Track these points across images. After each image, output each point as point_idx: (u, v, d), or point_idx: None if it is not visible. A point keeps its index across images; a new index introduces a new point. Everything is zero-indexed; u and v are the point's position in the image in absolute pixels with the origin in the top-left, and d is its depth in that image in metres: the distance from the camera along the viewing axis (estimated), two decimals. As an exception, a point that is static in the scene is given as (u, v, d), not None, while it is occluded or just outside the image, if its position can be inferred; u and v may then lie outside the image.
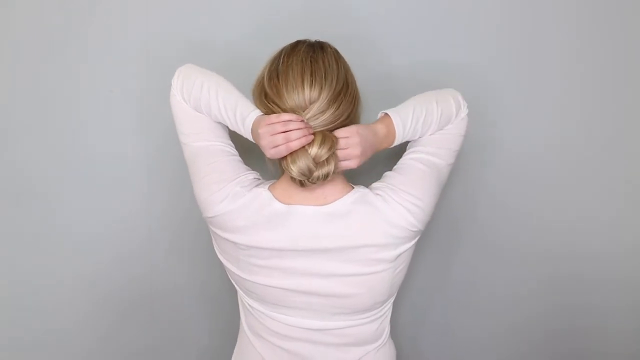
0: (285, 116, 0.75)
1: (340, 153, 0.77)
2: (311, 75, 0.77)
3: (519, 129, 1.18)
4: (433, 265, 1.33)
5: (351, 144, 0.77)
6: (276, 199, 0.79)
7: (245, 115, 0.81)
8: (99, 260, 1.25)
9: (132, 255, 1.26)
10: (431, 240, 1.28)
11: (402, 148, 0.91)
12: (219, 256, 0.88)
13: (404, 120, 0.84)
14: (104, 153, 1.17)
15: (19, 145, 1.14)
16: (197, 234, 1.21)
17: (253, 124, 0.80)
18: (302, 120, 0.75)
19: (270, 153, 0.76)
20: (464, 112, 0.90)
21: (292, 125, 0.74)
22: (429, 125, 0.86)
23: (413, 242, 0.84)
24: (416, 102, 0.87)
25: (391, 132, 0.84)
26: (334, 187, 0.81)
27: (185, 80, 0.86)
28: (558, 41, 1.11)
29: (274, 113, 0.78)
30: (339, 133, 0.77)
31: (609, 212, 1.23)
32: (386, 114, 0.85)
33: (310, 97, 0.76)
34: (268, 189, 0.81)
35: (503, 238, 1.28)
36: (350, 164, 0.78)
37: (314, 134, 0.75)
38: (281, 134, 0.74)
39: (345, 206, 0.79)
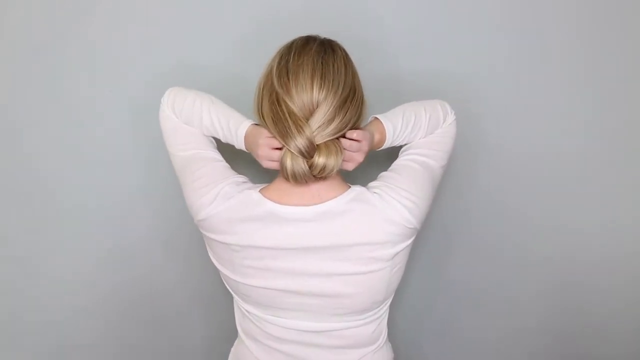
0: None
1: (347, 154, 0.79)
2: (321, 79, 0.77)
3: (519, 130, 1.18)
4: (430, 269, 1.32)
5: (362, 148, 0.81)
6: (268, 199, 0.80)
7: (237, 125, 0.85)
8: (99, 261, 1.25)
9: (131, 255, 1.25)
10: (428, 243, 1.28)
11: (397, 150, 0.92)
12: (214, 262, 0.88)
13: (395, 124, 0.88)
14: (103, 153, 1.17)
15: (18, 146, 1.14)
16: (195, 234, 1.21)
17: (246, 134, 0.83)
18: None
19: (266, 164, 0.80)
20: (451, 117, 0.94)
21: None
22: (418, 130, 0.90)
23: (410, 240, 0.84)
24: (405, 109, 0.91)
25: (382, 137, 0.88)
26: (329, 186, 0.81)
27: (177, 97, 0.90)
28: (558, 41, 1.11)
29: (281, 110, 0.77)
30: (352, 134, 0.79)
31: (609, 214, 1.23)
32: (376, 118, 0.89)
33: (318, 100, 0.76)
34: (259, 191, 0.81)
35: (501, 240, 1.28)
36: (348, 166, 0.81)
37: (318, 145, 0.76)
38: (279, 151, 0.78)
39: (341, 205, 0.79)
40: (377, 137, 0.87)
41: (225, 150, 0.91)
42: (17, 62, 1.09)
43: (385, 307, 0.90)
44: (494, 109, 1.16)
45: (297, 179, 0.76)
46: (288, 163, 0.76)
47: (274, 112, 0.78)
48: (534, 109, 1.16)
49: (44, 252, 1.22)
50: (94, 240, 1.23)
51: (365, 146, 0.81)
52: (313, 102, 0.76)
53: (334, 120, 0.77)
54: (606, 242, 1.26)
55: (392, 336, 0.98)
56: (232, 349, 0.99)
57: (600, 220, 1.24)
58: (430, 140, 0.90)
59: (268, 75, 0.81)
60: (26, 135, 1.14)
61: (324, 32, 0.87)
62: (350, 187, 0.83)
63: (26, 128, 1.13)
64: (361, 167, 1.18)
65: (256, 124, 0.85)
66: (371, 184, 0.84)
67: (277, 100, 0.78)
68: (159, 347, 1.36)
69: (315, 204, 0.79)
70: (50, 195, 1.18)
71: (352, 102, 0.79)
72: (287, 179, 0.77)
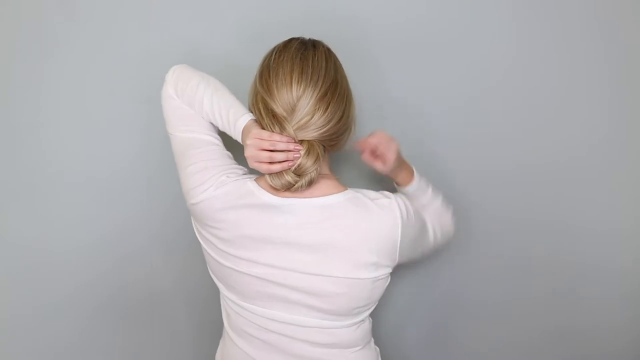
0: (276, 137, 0.77)
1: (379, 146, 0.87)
2: (299, 74, 0.78)
3: (518, 133, 1.17)
4: (417, 274, 1.31)
5: (392, 148, 0.87)
6: (263, 188, 0.80)
7: (237, 117, 0.83)
8: (99, 264, 1.24)
9: (134, 258, 1.25)
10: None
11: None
12: (203, 246, 0.87)
13: (421, 179, 0.97)
14: (104, 156, 1.17)
15: (18, 148, 1.14)
16: (196, 239, 1.21)
17: (244, 128, 0.82)
18: (291, 143, 0.77)
19: (252, 165, 0.79)
20: (452, 226, 1.02)
21: (279, 146, 0.77)
22: (432, 202, 0.97)
23: (389, 261, 0.83)
24: (433, 186, 0.99)
25: (409, 175, 0.95)
26: (323, 185, 0.82)
27: (181, 77, 0.88)
28: (556, 43, 1.11)
29: (265, 111, 0.79)
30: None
31: (610, 217, 1.23)
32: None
33: (297, 95, 0.77)
34: (255, 180, 0.82)
35: (494, 246, 1.27)
36: (383, 167, 0.89)
37: (301, 142, 0.78)
38: (266, 152, 0.77)
39: (333, 203, 0.80)
40: (405, 170, 0.95)
41: (224, 140, 0.90)
42: (17, 64, 1.09)
43: (367, 314, 0.89)
44: (491, 110, 1.16)
45: (285, 185, 0.78)
46: (274, 178, 0.78)
47: (257, 112, 0.80)
48: (532, 111, 1.16)
49: (44, 255, 1.21)
50: (94, 245, 1.23)
51: (394, 145, 0.88)
52: (293, 97, 0.77)
53: (314, 114, 0.77)
54: (607, 246, 1.25)
55: (376, 341, 0.98)
56: (219, 345, 1.00)
57: (601, 223, 1.23)
58: (436, 219, 0.96)
59: (254, 79, 0.83)
60: (25, 138, 1.13)
61: (323, 37, 0.87)
62: (347, 189, 0.83)
63: (25, 131, 1.13)
64: (357, 171, 1.18)
65: (256, 120, 0.84)
66: (374, 192, 0.84)
67: (259, 100, 0.80)
68: (156, 347, 1.36)
69: (309, 196, 0.80)
70: (50, 197, 1.18)
71: (333, 96, 0.79)
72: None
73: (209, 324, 1.35)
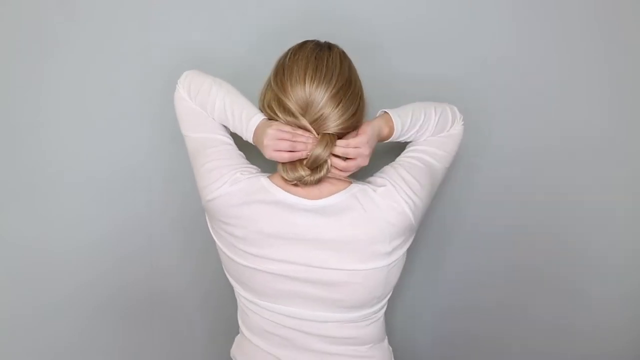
0: (298, 130, 0.79)
1: (353, 163, 0.81)
2: (313, 71, 0.79)
3: (518, 130, 1.17)
4: (427, 269, 1.32)
5: (362, 153, 0.81)
6: (276, 185, 0.82)
7: (250, 116, 0.85)
8: (99, 264, 1.24)
9: (134, 258, 1.25)
10: (426, 244, 1.28)
11: (402, 145, 0.94)
12: (218, 243, 0.89)
13: (403, 121, 0.89)
14: (104, 156, 1.17)
15: (18, 148, 1.14)
16: (199, 238, 1.21)
17: (258, 126, 0.83)
18: (310, 137, 0.79)
19: (271, 155, 0.80)
20: (459, 122, 0.96)
21: (299, 138, 0.79)
22: (425, 130, 0.91)
23: (408, 237, 0.85)
24: (414, 107, 0.92)
25: (390, 131, 0.89)
26: (330, 181, 0.83)
27: (193, 80, 0.90)
28: (556, 43, 1.11)
29: (279, 108, 0.81)
30: (349, 144, 0.81)
31: (609, 218, 1.23)
32: (386, 112, 0.90)
33: (311, 91, 0.79)
34: (268, 177, 0.84)
35: (500, 240, 1.27)
36: (350, 168, 0.83)
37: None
38: (287, 141, 0.79)
39: (342, 200, 0.81)
40: (385, 130, 0.88)
41: (235, 140, 0.91)
42: (18, 64, 1.09)
43: (382, 304, 0.91)
44: (491, 110, 1.16)
45: (298, 179, 0.80)
46: (288, 171, 0.79)
47: (271, 110, 0.82)
48: (534, 108, 1.16)
49: (45, 255, 1.21)
50: (96, 244, 1.23)
51: (366, 150, 0.82)
52: (306, 94, 0.79)
53: (328, 109, 0.79)
54: (607, 246, 1.25)
55: (388, 337, 0.98)
56: (234, 343, 1.00)
57: (601, 223, 1.24)
58: (437, 140, 0.92)
59: (268, 79, 0.85)
60: (26, 138, 1.13)
61: (325, 38, 0.87)
62: (351, 182, 0.85)
63: (26, 131, 1.13)
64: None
65: (269, 119, 0.85)
66: (374, 179, 0.85)
67: (273, 98, 0.82)
68: (164, 351, 1.36)
69: (317, 197, 0.81)
70: (50, 197, 1.17)
71: (346, 93, 0.80)
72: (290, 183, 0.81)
73: (208, 323, 1.36)
